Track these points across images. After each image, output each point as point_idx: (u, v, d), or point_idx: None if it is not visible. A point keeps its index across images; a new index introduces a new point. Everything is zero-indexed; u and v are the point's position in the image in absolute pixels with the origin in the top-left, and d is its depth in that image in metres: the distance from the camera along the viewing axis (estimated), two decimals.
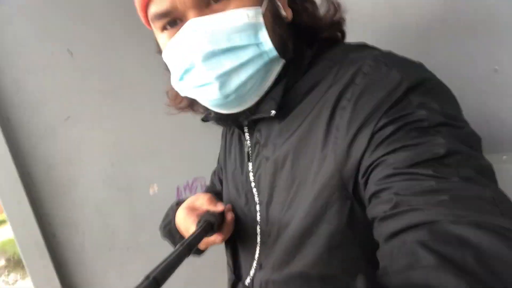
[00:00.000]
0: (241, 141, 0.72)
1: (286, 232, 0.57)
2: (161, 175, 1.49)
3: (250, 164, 0.67)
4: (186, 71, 0.57)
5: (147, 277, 0.44)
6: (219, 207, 0.69)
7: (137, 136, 1.44)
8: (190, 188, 1.59)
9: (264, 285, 0.63)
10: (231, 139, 0.77)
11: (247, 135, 0.67)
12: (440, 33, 0.86)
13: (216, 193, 0.83)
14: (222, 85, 0.54)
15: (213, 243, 0.71)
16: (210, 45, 0.52)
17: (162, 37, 0.58)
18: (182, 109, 0.73)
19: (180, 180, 1.56)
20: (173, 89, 0.64)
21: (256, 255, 0.67)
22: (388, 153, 0.44)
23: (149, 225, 1.42)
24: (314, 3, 0.63)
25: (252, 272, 0.67)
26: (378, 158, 0.45)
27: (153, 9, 0.54)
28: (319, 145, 0.53)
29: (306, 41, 0.61)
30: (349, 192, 0.50)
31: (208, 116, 0.68)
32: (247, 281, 0.68)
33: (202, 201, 0.72)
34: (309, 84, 0.58)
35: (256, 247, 0.67)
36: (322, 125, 0.53)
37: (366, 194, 0.47)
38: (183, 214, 0.72)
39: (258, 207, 0.65)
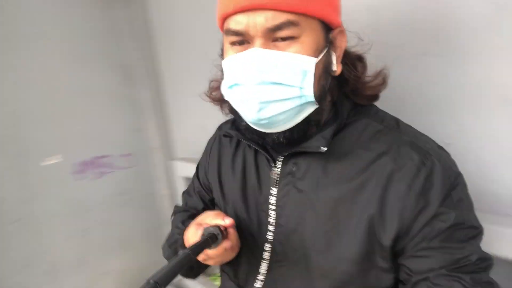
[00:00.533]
0: (257, 162, 0.78)
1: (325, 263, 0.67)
2: (62, 147, 1.48)
3: (275, 189, 0.73)
4: (237, 84, 0.65)
5: (148, 281, 0.45)
6: (227, 222, 0.68)
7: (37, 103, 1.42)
8: (93, 165, 1.59)
9: None
10: (234, 155, 0.83)
11: (278, 163, 0.73)
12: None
13: (193, 214, 0.90)
14: (260, 110, 0.62)
15: (224, 255, 0.71)
16: (264, 75, 0.61)
17: (228, 48, 0.66)
18: (212, 99, 0.83)
19: (83, 155, 1.56)
20: (216, 82, 0.79)
21: (262, 270, 0.75)
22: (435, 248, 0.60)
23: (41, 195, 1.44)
24: (364, 66, 0.71)
25: (258, 284, 0.76)
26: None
27: (230, 25, 0.62)
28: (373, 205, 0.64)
29: (345, 93, 0.71)
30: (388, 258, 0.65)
31: (231, 132, 0.77)
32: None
33: (211, 216, 0.72)
34: (356, 139, 0.68)
35: (261, 262, 0.75)
36: (378, 191, 0.64)
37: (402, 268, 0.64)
38: (192, 230, 0.73)
39: (271, 228, 0.73)
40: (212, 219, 0.70)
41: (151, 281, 0.45)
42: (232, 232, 0.70)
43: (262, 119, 0.63)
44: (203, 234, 0.65)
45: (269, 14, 0.58)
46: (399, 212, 0.61)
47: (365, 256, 0.63)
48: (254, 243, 0.76)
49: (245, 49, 0.63)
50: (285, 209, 0.72)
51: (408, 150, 0.64)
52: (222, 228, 0.67)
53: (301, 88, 0.62)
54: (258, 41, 0.61)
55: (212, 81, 0.83)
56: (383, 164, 0.64)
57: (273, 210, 0.73)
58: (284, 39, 0.60)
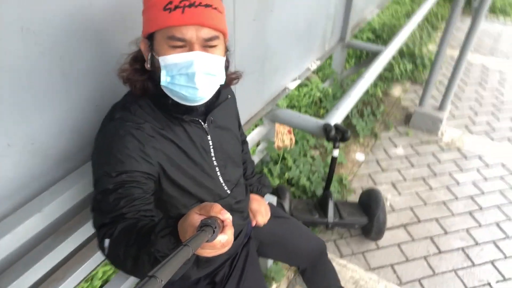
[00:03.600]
0: (184, 127, 1.07)
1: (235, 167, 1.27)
2: None
3: (209, 136, 1.14)
4: (181, 74, 0.95)
5: (149, 276, 0.45)
6: (225, 215, 0.72)
7: None
8: None
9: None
10: (172, 137, 1.05)
11: (201, 122, 1.12)
12: None
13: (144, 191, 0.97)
14: (200, 91, 0.97)
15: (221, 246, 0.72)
16: (207, 68, 0.95)
17: (168, 49, 0.93)
18: (125, 79, 1.03)
19: None
20: (130, 65, 1.02)
21: (220, 178, 1.20)
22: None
23: None
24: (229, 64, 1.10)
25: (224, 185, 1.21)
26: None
27: (176, 34, 0.91)
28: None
29: None
30: None
31: (186, 117, 1.06)
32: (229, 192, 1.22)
33: (208, 208, 0.74)
34: (223, 99, 1.21)
35: (217, 173, 1.19)
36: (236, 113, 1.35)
37: None
38: (189, 221, 0.73)
39: (213, 154, 1.17)
40: (209, 211, 0.72)
41: (152, 276, 0.45)
42: (229, 225, 0.72)
43: (200, 97, 0.99)
44: (200, 226, 0.66)
45: (206, 30, 0.93)
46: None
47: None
48: (209, 166, 1.15)
49: (183, 51, 0.93)
50: (216, 142, 1.16)
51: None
52: (219, 221, 0.68)
53: (220, 76, 1.01)
54: (197, 46, 0.93)
55: (126, 64, 1.02)
56: (230, 103, 1.28)
57: (212, 146, 1.15)
58: (211, 46, 0.95)
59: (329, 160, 2.36)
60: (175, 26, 0.90)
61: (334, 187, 2.60)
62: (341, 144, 3.08)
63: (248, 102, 2.12)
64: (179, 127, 1.06)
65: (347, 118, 3.34)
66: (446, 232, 2.47)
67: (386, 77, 4.02)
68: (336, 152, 2.13)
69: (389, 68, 4.10)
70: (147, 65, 0.98)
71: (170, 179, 1.05)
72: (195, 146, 1.10)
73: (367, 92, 3.65)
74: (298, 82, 2.71)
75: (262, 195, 1.54)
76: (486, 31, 5.58)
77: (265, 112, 2.37)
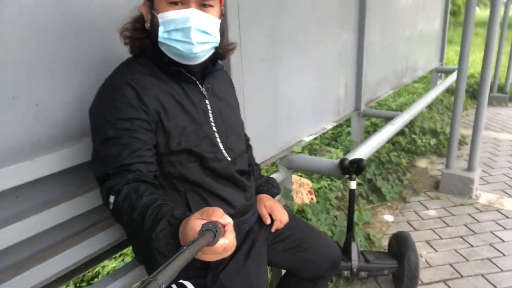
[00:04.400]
0: (183, 88, 1.11)
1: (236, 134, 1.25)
2: None
3: (207, 101, 1.16)
4: (177, 30, 1.01)
5: (150, 278, 0.46)
6: (226, 220, 0.73)
7: None
8: None
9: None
10: (170, 90, 1.08)
11: (199, 86, 1.16)
12: None
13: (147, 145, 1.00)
14: (195, 47, 1.03)
15: (224, 250, 0.71)
16: (202, 25, 1.02)
17: (166, 5, 1.01)
18: (127, 37, 1.10)
19: None
20: (132, 24, 1.09)
21: (220, 145, 1.17)
22: None
23: None
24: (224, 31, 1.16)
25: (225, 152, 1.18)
26: None
27: None
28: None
29: None
30: None
31: (180, 69, 1.09)
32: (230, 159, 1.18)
33: (210, 213, 0.75)
34: (219, 68, 1.27)
35: (216, 139, 1.16)
36: (234, 91, 1.36)
37: None
38: (191, 225, 0.73)
39: (212, 122, 1.16)
40: (211, 215, 0.73)
41: (153, 278, 0.46)
42: (230, 229, 0.72)
43: (195, 53, 1.03)
44: (201, 230, 0.66)
45: None
46: None
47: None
48: (208, 129, 1.14)
49: (181, 8, 1.01)
50: (215, 109, 1.17)
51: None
52: (220, 226, 0.69)
53: (215, 35, 1.07)
54: (193, 5, 1.01)
55: (127, 23, 1.09)
56: (227, 78, 1.35)
57: (210, 111, 1.16)
58: (206, 5, 1.03)
59: None
60: None
61: (360, 242, 2.38)
62: (364, 193, 2.92)
63: (261, 144, 2.13)
64: (177, 85, 1.10)
65: (371, 181, 3.22)
66: None
67: (410, 149, 3.96)
68: (353, 185, 2.02)
69: (412, 142, 4.07)
70: (147, 25, 1.07)
71: (164, 130, 1.05)
72: (193, 104, 1.11)
73: (390, 161, 3.58)
74: (313, 136, 2.74)
75: (273, 196, 1.45)
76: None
77: (278, 157, 2.35)
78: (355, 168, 1.99)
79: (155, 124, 1.04)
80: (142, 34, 1.09)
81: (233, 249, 0.73)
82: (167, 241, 0.79)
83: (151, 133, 1.03)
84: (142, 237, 0.86)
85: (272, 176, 2.41)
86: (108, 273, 2.10)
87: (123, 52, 1.16)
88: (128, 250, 2.14)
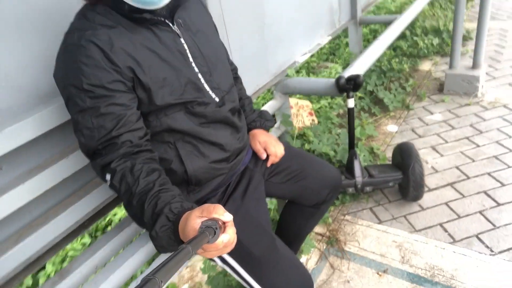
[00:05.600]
0: (154, 31, 0.99)
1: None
2: None
3: (182, 39, 1.04)
4: None
5: (149, 276, 0.46)
6: (226, 217, 0.71)
7: None
8: None
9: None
10: (141, 40, 0.96)
11: (170, 24, 1.03)
12: None
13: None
14: None
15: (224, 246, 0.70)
16: None
17: None
18: None
19: None
20: None
21: (205, 86, 1.09)
22: None
23: None
24: None
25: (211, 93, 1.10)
26: None
27: None
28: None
29: None
30: None
31: (144, 15, 0.95)
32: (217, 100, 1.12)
33: (210, 209, 0.73)
34: None
35: (201, 81, 1.07)
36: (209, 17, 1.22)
37: None
38: (191, 223, 0.73)
39: (192, 59, 1.07)
40: (211, 212, 0.71)
41: (152, 276, 0.46)
42: (230, 226, 0.71)
43: None
44: (201, 227, 0.66)
45: None
46: None
47: None
48: (190, 72, 1.05)
49: None
50: (192, 47, 1.06)
51: None
52: (220, 222, 0.69)
53: None
54: None
55: None
56: (197, 5, 1.17)
57: (188, 51, 1.05)
58: None
59: None
60: None
61: (364, 157, 2.37)
62: (365, 105, 2.87)
63: (251, 73, 2.03)
64: (147, 30, 0.98)
65: (372, 93, 3.13)
66: (503, 185, 2.12)
67: (412, 53, 3.79)
68: (351, 103, 1.95)
69: (414, 45, 3.87)
70: None
71: (143, 86, 0.96)
72: (168, 49, 1.00)
73: (392, 68, 3.44)
74: (308, 55, 2.60)
75: (267, 130, 1.40)
76: None
77: (273, 84, 2.26)
78: (352, 85, 1.90)
79: (131, 82, 0.94)
80: None
81: (233, 244, 0.73)
82: (168, 237, 0.80)
83: (130, 94, 0.94)
84: (143, 224, 0.88)
85: (268, 103, 2.34)
86: (120, 220, 2.16)
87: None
88: None
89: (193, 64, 1.06)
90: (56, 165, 1.16)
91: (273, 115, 2.44)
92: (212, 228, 0.65)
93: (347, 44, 3.67)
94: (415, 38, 3.93)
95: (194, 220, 0.72)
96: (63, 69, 0.93)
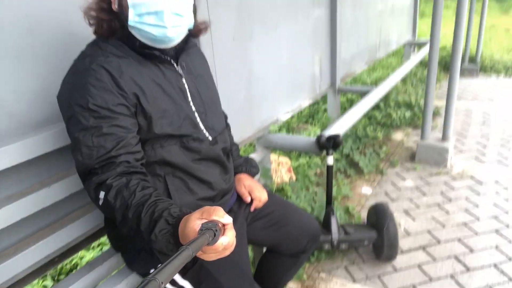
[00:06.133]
0: (161, 69, 1.06)
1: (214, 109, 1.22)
2: None
3: (183, 79, 1.11)
4: (149, 13, 0.94)
5: (150, 278, 0.46)
6: (226, 219, 0.73)
7: None
8: None
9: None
10: (137, 74, 1.01)
11: (174, 65, 1.10)
12: None
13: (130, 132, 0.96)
14: (169, 31, 0.97)
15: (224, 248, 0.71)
16: (175, 8, 0.96)
17: None
18: (93, 18, 1.02)
19: None
20: (98, 4, 1.00)
21: (200, 124, 1.13)
22: None
23: None
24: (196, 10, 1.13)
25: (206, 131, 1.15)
26: None
27: None
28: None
29: None
30: None
31: (152, 50, 1.03)
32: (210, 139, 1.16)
33: (210, 212, 0.74)
34: (192, 45, 1.18)
35: (197, 119, 1.12)
36: (208, 66, 1.29)
37: None
38: (191, 224, 0.73)
39: (190, 99, 1.13)
40: (211, 214, 0.72)
41: (152, 278, 0.46)
42: (230, 228, 0.72)
43: (170, 38, 0.99)
44: (201, 229, 0.67)
45: None
46: None
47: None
48: (188, 109, 1.10)
49: None
50: (192, 88, 1.13)
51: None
52: (220, 225, 0.70)
53: (189, 19, 1.03)
54: None
55: (92, 3, 1.01)
56: (200, 54, 1.29)
57: (188, 91, 1.11)
58: None
59: None
60: None
61: (340, 215, 2.40)
62: (341, 164, 2.95)
63: (236, 124, 2.10)
64: (154, 66, 1.05)
65: (348, 156, 3.25)
66: (472, 250, 2.18)
67: (385, 123, 4.01)
68: (330, 160, 2.02)
69: (387, 116, 4.12)
70: (114, 6, 0.99)
71: (144, 113, 1.00)
72: (171, 85, 1.07)
73: (367, 135, 3.62)
74: (290, 114, 2.73)
75: (252, 176, 1.43)
76: (483, 83, 5.70)
77: (255, 137, 2.33)
78: (332, 143, 1.99)
79: (135, 108, 0.99)
80: (109, 15, 1.00)
81: (233, 247, 0.73)
82: (167, 240, 0.79)
83: (132, 118, 0.98)
84: (139, 235, 0.85)
85: (250, 156, 2.40)
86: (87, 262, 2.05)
87: (84, 33, 1.09)
88: (106, 239, 2.10)
89: (191, 103, 1.12)
90: (35, 194, 1.14)
91: None
92: (212, 230, 0.65)
93: (325, 110, 3.86)
94: (388, 110, 4.19)
95: (194, 221, 0.72)
96: (69, 90, 0.96)
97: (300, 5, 2.71)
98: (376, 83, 4.86)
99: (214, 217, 0.71)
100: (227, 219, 0.72)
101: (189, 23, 1.04)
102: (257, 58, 2.27)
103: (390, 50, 5.21)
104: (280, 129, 3.44)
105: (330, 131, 2.33)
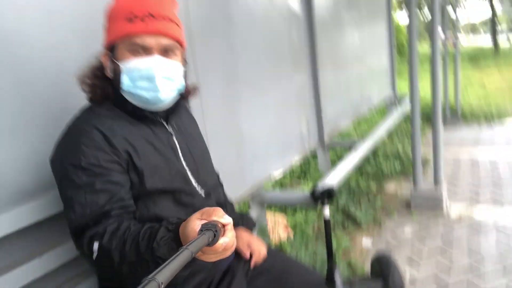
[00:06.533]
0: (152, 129, 1.09)
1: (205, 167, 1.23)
2: None
3: (174, 138, 1.14)
4: (142, 78, 1.00)
5: (149, 278, 0.47)
6: (226, 219, 0.74)
7: None
8: None
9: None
10: (128, 132, 1.04)
11: (164, 124, 1.13)
12: None
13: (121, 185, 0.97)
14: (161, 94, 1.02)
15: (224, 249, 0.72)
16: (167, 73, 1.02)
17: (129, 55, 1.00)
18: (86, 85, 1.06)
19: None
20: (91, 75, 1.06)
21: (192, 180, 1.14)
22: None
23: None
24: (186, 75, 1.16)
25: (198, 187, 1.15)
26: None
27: (137, 40, 0.98)
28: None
29: None
30: None
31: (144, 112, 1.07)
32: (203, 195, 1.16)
33: (210, 212, 0.76)
34: (182, 106, 1.21)
35: (188, 175, 1.13)
36: (197, 126, 1.35)
37: None
38: (191, 225, 0.75)
39: (182, 157, 1.14)
40: (211, 215, 0.73)
41: (152, 279, 0.46)
42: (230, 229, 0.73)
43: (161, 100, 1.03)
44: (201, 230, 0.67)
45: (166, 39, 1.01)
46: None
47: None
48: (179, 165, 1.11)
49: (143, 57, 0.99)
50: (183, 146, 1.15)
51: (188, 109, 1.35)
52: (219, 225, 0.70)
53: (180, 83, 1.07)
54: (156, 52, 1.00)
55: (87, 71, 1.06)
56: (190, 117, 1.32)
57: (179, 149, 1.13)
58: (168, 52, 1.02)
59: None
60: (137, 34, 0.98)
61: (343, 270, 2.34)
62: (337, 215, 2.90)
63: (229, 183, 2.12)
64: (145, 126, 1.08)
65: (345, 211, 3.24)
66: None
67: (377, 175, 4.05)
68: (327, 212, 2.01)
69: (378, 168, 4.17)
70: (109, 73, 1.05)
71: (136, 169, 1.02)
72: (162, 143, 1.10)
73: (360, 188, 3.64)
74: (281, 170, 2.76)
75: (249, 230, 1.41)
76: (467, 131, 5.88)
77: (249, 195, 2.34)
78: (326, 194, 2.00)
79: (126, 165, 1.00)
80: (103, 82, 1.06)
81: (233, 248, 0.74)
82: (169, 247, 0.79)
83: (125, 174, 0.99)
84: (140, 264, 0.84)
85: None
86: None
87: (76, 100, 1.14)
88: None
89: (182, 160, 1.14)
90: (25, 265, 1.11)
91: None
92: (212, 231, 0.65)
93: (316, 166, 3.91)
94: (378, 162, 4.26)
95: (194, 221, 0.73)
96: (62, 151, 0.98)
97: (284, 71, 2.87)
98: (363, 136, 5.00)
99: (214, 218, 0.71)
100: (227, 220, 0.73)
101: (179, 86, 1.09)
102: (246, 120, 2.35)
103: (371, 105, 5.43)
104: (272, 186, 3.45)
105: (323, 184, 2.35)
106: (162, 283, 0.46)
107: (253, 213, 2.35)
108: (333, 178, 2.52)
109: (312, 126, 3.36)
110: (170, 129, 1.14)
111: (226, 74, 2.17)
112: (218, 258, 0.73)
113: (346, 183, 3.66)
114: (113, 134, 0.99)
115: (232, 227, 0.74)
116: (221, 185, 1.46)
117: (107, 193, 0.93)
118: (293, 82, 3.01)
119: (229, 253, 0.73)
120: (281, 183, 3.86)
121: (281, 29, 2.81)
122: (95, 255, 0.88)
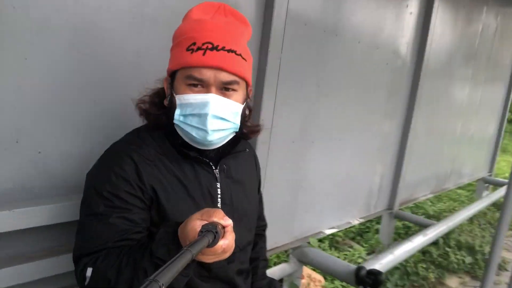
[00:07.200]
0: (195, 168, 1.01)
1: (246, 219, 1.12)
2: None
3: (218, 183, 1.05)
4: (193, 115, 0.93)
5: (150, 279, 0.47)
6: (226, 221, 0.74)
7: None
8: None
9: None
10: (177, 171, 0.99)
11: (212, 167, 1.04)
12: None
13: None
14: (210, 135, 0.93)
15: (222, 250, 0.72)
16: (220, 112, 0.93)
17: (185, 87, 0.94)
18: (142, 110, 1.02)
19: None
20: (151, 98, 1.02)
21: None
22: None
23: None
24: (250, 115, 1.10)
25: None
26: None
27: (195, 74, 0.91)
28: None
29: None
30: None
31: (188, 152, 0.99)
32: None
33: (210, 213, 0.75)
34: (240, 149, 1.09)
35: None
36: (256, 174, 1.25)
37: None
38: (191, 225, 0.74)
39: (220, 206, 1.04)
40: (211, 216, 0.73)
41: (153, 280, 0.46)
42: (230, 231, 0.73)
43: (210, 141, 0.95)
44: (201, 231, 0.67)
45: (225, 73, 0.92)
46: None
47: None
48: None
49: (200, 91, 0.93)
50: (225, 194, 1.05)
51: (252, 151, 1.25)
52: (220, 227, 0.70)
53: (234, 123, 0.97)
54: (213, 89, 0.92)
55: (146, 96, 1.03)
56: (249, 158, 1.22)
57: (219, 196, 1.04)
58: (228, 89, 0.94)
59: None
60: (194, 66, 0.91)
61: None
62: None
63: (273, 229, 1.98)
64: (188, 165, 1.01)
65: None
66: None
67: (440, 264, 3.59)
68: None
69: (444, 255, 3.70)
70: (166, 101, 1.00)
71: (160, 210, 0.95)
72: (200, 187, 1.01)
73: (417, 273, 3.24)
74: (334, 230, 2.54)
75: None
76: None
77: (291, 247, 2.17)
78: (372, 280, 1.77)
79: (150, 202, 0.94)
80: (159, 110, 1.01)
81: (231, 250, 0.75)
82: (168, 247, 0.79)
83: (145, 212, 0.93)
84: (137, 277, 0.80)
85: (280, 265, 2.22)
86: None
87: None
88: None
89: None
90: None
91: (281, 280, 2.28)
92: (212, 232, 0.65)
93: (377, 231, 3.59)
94: (447, 249, 3.78)
95: (194, 221, 0.72)
96: (95, 171, 0.97)
97: (372, 120, 2.65)
98: (439, 215, 4.50)
99: (215, 219, 0.71)
100: (227, 221, 0.73)
101: (233, 127, 0.98)
102: (313, 165, 2.19)
103: (461, 183, 4.87)
104: (321, 241, 3.22)
105: (374, 263, 2.09)
106: (163, 284, 0.46)
107: (290, 267, 2.18)
108: (388, 260, 2.24)
109: (385, 186, 3.07)
110: (217, 172, 1.04)
111: (306, 113, 2.05)
112: (217, 260, 0.74)
113: (403, 261, 3.29)
114: (145, 168, 0.93)
115: (232, 229, 0.74)
116: (263, 238, 1.33)
117: (117, 230, 0.89)
118: (379, 133, 2.77)
119: (227, 255, 0.74)
120: (332, 237, 3.60)
121: (380, 75, 2.59)
122: (87, 281, 0.86)
